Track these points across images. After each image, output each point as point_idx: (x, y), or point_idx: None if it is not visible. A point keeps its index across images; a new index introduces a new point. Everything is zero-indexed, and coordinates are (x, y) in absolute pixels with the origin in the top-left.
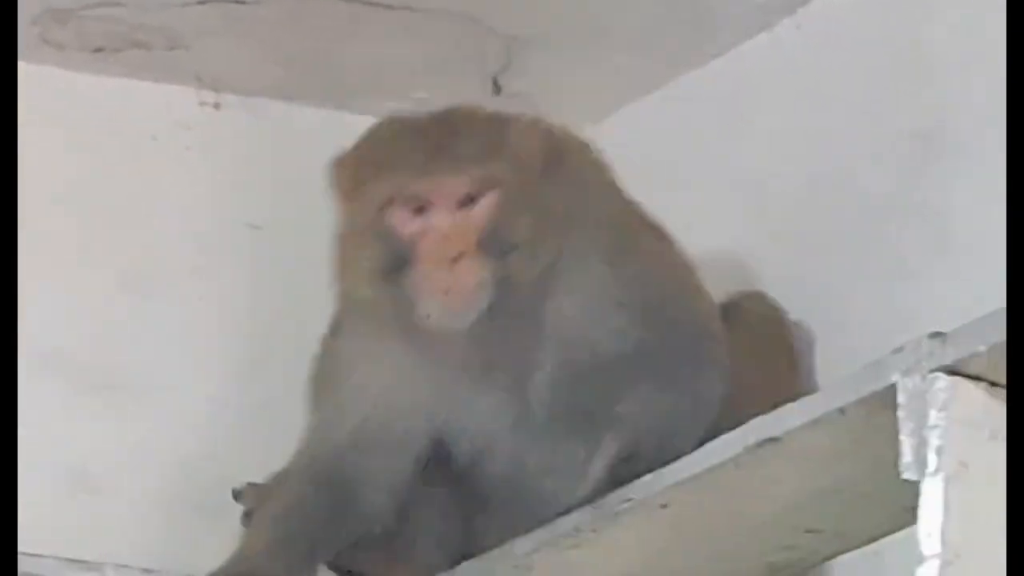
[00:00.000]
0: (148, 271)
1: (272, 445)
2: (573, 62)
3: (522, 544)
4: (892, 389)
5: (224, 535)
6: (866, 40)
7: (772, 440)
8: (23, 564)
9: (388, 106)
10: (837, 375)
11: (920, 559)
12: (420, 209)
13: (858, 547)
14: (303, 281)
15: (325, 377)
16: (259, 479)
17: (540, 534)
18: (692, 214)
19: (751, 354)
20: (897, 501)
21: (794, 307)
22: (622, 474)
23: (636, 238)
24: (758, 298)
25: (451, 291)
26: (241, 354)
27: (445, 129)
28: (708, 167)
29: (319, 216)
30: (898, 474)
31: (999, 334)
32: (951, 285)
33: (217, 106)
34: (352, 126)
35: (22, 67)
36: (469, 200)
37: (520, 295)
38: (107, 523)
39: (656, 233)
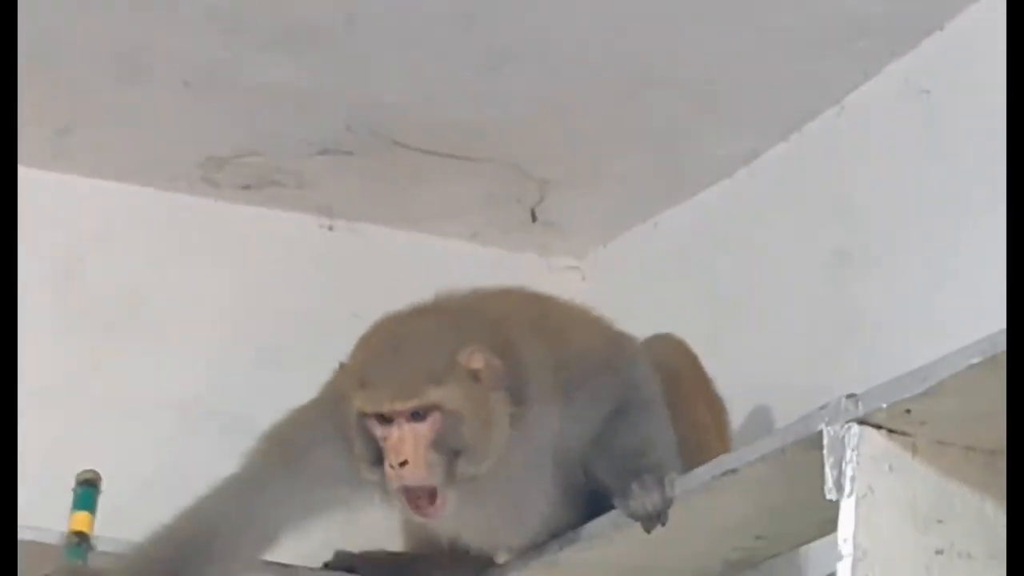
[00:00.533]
0: (282, 346)
1: None
2: (588, 198)
3: (552, 545)
4: (819, 435)
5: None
6: (802, 183)
7: (732, 471)
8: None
9: (454, 229)
10: (780, 425)
11: (839, 557)
12: (386, 419)
13: (793, 548)
14: None
15: (279, 454)
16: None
17: (567, 538)
18: (672, 311)
19: (674, 386)
20: (822, 515)
21: (753, 380)
22: (672, 495)
23: (577, 356)
24: (668, 338)
25: (405, 490)
26: None
27: (406, 354)
28: (685, 277)
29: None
30: (823, 496)
31: (897, 395)
32: (861, 361)
33: (331, 229)
34: (427, 243)
35: (189, 200)
36: (419, 416)
37: (478, 480)
38: None
39: (579, 324)
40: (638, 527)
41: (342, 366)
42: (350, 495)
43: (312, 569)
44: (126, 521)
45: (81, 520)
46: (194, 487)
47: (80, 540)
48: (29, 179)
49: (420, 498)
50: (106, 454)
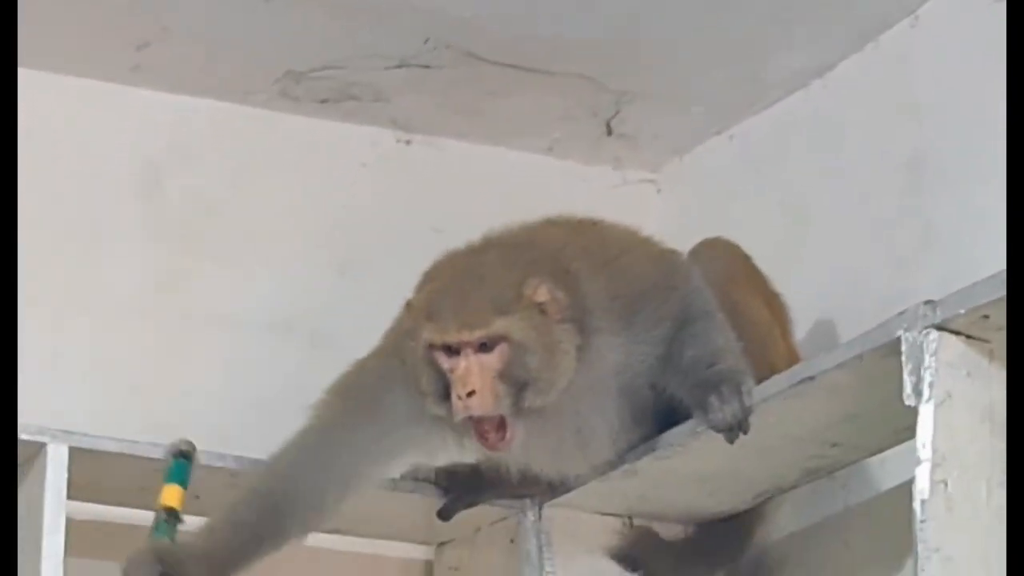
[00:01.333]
0: (361, 259)
1: None
2: (663, 111)
3: (631, 455)
4: (897, 341)
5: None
6: (876, 93)
7: (809, 379)
8: None
9: (530, 143)
10: (856, 333)
11: (917, 461)
12: (453, 351)
13: (870, 456)
14: None
15: (354, 404)
16: None
17: (646, 447)
18: (747, 222)
19: (731, 287)
20: (900, 422)
21: (829, 288)
22: (750, 403)
23: (632, 281)
24: (718, 241)
25: (474, 421)
26: None
27: (472, 287)
28: (760, 188)
29: (485, 220)
30: (902, 402)
31: (974, 301)
32: (936, 268)
33: (408, 143)
34: (504, 157)
35: (268, 115)
36: (486, 347)
37: (545, 410)
38: None
39: (631, 248)
40: (714, 435)
41: (407, 303)
42: (425, 437)
43: (392, 480)
44: (205, 434)
45: (172, 494)
46: (273, 398)
47: (169, 516)
48: (109, 93)
49: (489, 430)
50: (187, 366)
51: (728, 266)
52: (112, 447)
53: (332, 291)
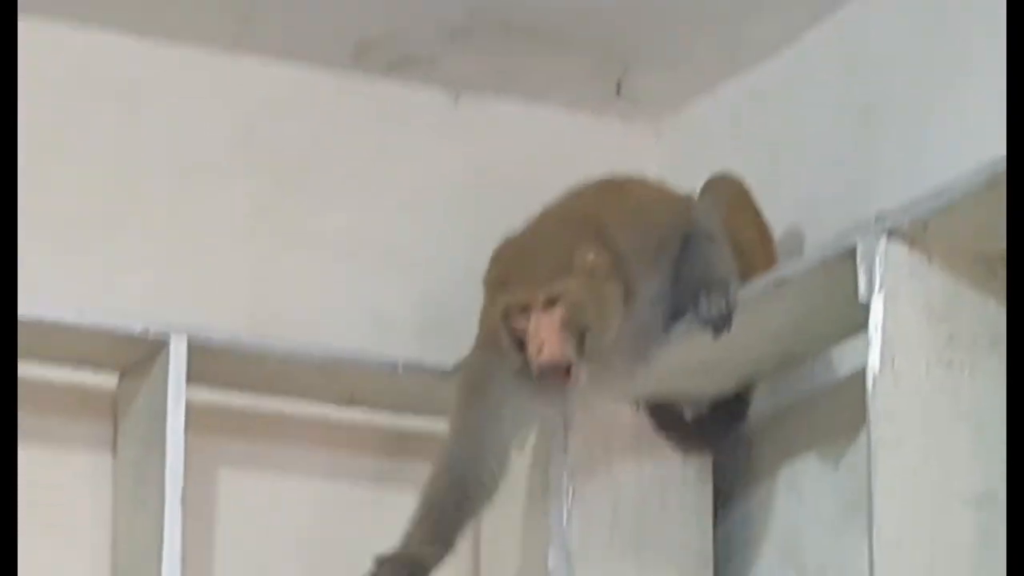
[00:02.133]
0: (416, 191)
1: None
2: (662, 73)
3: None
4: (853, 248)
5: None
6: (832, 56)
7: (784, 281)
8: None
9: (555, 99)
10: (820, 241)
11: (870, 343)
12: (525, 310)
13: (835, 343)
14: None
15: (474, 395)
16: None
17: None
18: (731, 163)
19: (727, 206)
20: (855, 317)
21: (801, 208)
22: (734, 302)
23: (652, 230)
24: (724, 174)
25: (544, 371)
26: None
27: (534, 258)
28: (741, 135)
29: (518, 163)
30: (856, 300)
31: (915, 213)
32: (883, 192)
33: (457, 100)
34: (533, 111)
35: (342, 77)
36: (551, 303)
37: (602, 354)
38: None
39: (649, 202)
40: (707, 331)
41: (484, 281)
42: (529, 401)
43: None
44: (290, 325)
45: None
46: (345, 298)
47: None
48: (213, 59)
49: (559, 375)
50: (276, 275)
51: (729, 194)
52: (222, 338)
53: (395, 218)
